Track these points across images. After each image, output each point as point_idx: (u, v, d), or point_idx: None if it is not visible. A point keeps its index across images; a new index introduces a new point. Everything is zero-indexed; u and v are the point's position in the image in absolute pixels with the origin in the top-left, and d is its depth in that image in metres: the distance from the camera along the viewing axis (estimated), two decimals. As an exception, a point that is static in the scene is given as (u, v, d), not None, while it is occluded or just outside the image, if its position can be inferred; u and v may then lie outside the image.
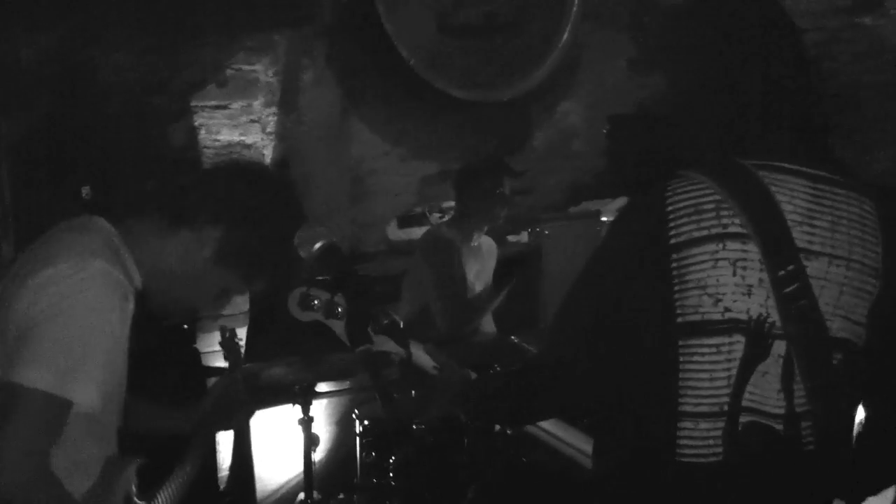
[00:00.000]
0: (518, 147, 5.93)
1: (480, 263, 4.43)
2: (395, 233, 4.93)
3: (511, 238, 4.95)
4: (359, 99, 5.34)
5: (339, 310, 2.01)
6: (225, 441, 4.10)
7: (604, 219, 4.55)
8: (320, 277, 2.09)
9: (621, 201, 4.64)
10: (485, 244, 4.49)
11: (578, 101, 6.11)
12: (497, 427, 3.28)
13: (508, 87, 5.65)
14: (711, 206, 1.56)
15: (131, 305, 1.76)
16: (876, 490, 1.72)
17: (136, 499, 1.92)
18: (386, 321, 2.03)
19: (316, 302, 2.01)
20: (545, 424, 2.31)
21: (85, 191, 3.88)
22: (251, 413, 2.37)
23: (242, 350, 2.45)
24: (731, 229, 1.55)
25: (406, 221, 4.81)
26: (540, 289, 4.81)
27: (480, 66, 5.57)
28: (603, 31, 6.07)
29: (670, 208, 1.57)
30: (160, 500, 2.02)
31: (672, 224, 1.56)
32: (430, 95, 5.38)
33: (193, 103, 4.65)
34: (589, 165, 6.09)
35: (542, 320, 4.66)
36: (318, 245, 2.02)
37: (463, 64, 5.50)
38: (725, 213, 1.55)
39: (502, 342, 3.47)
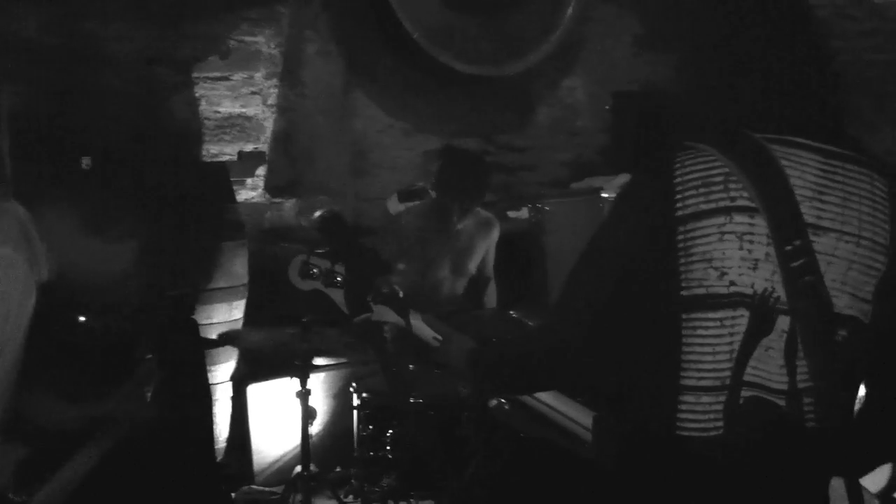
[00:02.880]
0: (522, 122, 5.90)
1: (464, 242, 4.41)
2: (395, 207, 4.90)
3: (512, 214, 4.93)
4: (362, 73, 5.31)
5: (339, 279, 1.99)
6: (222, 413, 4.10)
7: (605, 195, 4.54)
8: (320, 250, 2.07)
9: (623, 178, 4.62)
10: (477, 223, 4.46)
11: (583, 78, 6.06)
12: (494, 401, 3.27)
13: (513, 61, 5.60)
14: (720, 178, 1.54)
15: (32, 299, 1.73)
16: (872, 467, 1.71)
17: (10, 494, 1.87)
18: (386, 290, 2.02)
19: (315, 270, 1.99)
20: (544, 397, 2.29)
21: (85, 161, 3.85)
22: (150, 416, 2.32)
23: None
24: (739, 202, 1.53)
25: (407, 196, 4.77)
26: (541, 264, 4.80)
27: (484, 41, 5.53)
28: (609, 7, 6.03)
29: (678, 180, 1.55)
30: (41, 496, 1.96)
31: (679, 196, 1.55)
32: (433, 69, 5.35)
33: (195, 74, 4.63)
34: (593, 142, 6.07)
35: (543, 295, 4.65)
36: (317, 213, 1.98)
37: (467, 38, 5.45)
38: (734, 185, 1.53)
39: (502, 316, 3.46)
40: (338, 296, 1.99)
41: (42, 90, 4.14)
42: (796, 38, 1.65)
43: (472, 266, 4.43)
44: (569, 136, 6.09)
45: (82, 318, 2.99)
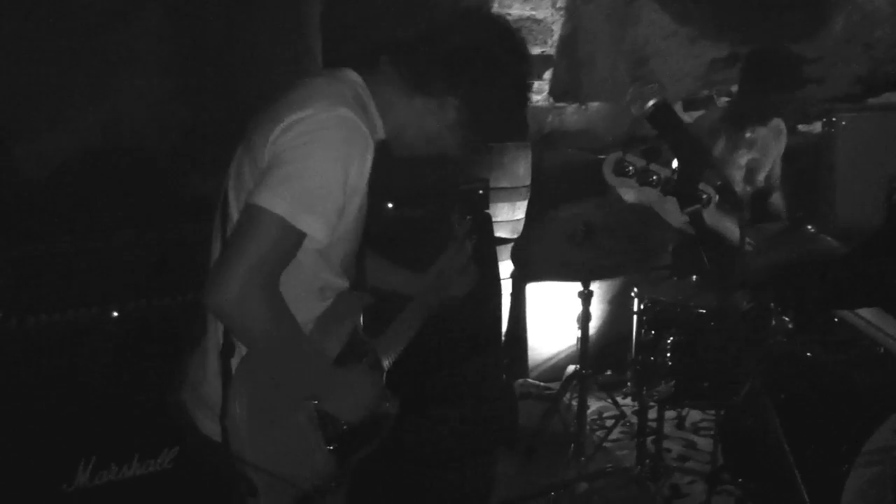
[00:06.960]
0: (814, 31, 5.57)
1: (757, 151, 4.25)
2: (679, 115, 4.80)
3: (802, 128, 4.70)
4: (649, -24, 5.17)
5: (654, 178, 1.92)
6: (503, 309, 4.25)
7: (907, 111, 4.23)
8: (645, 146, 1.99)
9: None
10: (770, 130, 4.29)
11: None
12: (777, 320, 3.20)
13: (810, -34, 5.29)
14: None
15: (370, 155, 1.84)
16: None
17: (361, 333, 2.03)
18: (719, 182, 1.93)
19: (631, 168, 1.93)
20: (864, 312, 2.22)
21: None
22: (472, 284, 2.40)
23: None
24: None
25: (691, 104, 4.66)
26: (831, 180, 4.57)
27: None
28: None
29: None
30: (383, 341, 2.13)
31: None
32: (723, -27, 5.14)
33: (488, -23, 4.66)
34: (892, 55, 5.64)
35: (832, 212, 4.45)
36: (650, 102, 1.89)
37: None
38: None
39: (799, 231, 3.33)
40: (651, 195, 1.92)
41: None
42: None
43: (762, 176, 4.28)
44: (865, 47, 5.68)
45: (390, 205, 3.17)
